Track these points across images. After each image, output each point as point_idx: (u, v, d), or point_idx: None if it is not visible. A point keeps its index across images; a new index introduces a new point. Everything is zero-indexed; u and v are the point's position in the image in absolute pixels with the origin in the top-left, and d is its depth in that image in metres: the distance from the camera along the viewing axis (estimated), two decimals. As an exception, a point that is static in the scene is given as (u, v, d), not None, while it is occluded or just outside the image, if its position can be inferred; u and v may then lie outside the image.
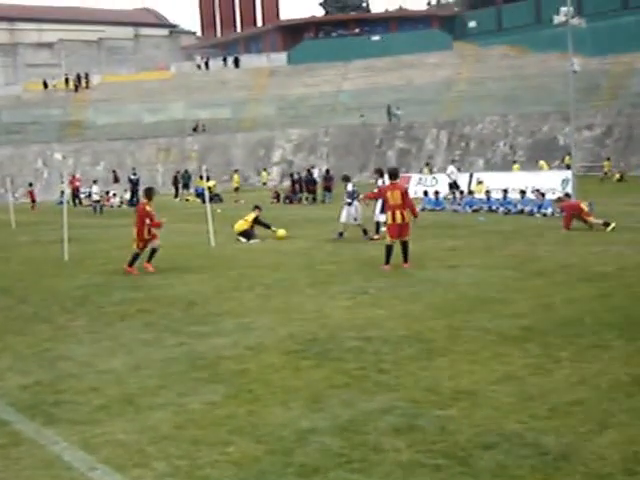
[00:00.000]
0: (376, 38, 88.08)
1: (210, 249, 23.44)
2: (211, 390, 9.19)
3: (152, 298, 15.29)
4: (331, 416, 8.11)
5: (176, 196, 57.60)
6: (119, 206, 52.69)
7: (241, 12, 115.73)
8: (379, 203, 24.94)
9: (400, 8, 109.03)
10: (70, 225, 23.60)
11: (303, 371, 9.78)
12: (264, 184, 63.71)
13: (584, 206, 26.29)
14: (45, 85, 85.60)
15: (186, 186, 58.47)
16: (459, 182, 41.26)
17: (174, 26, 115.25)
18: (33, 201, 53.66)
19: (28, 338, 12.32)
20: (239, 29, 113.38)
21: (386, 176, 22.70)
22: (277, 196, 49.02)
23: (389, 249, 18.25)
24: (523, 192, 34.09)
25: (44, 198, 61.72)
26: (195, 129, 76.58)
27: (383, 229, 24.58)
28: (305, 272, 18.04)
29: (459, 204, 36.53)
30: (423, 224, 23.12)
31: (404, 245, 18.26)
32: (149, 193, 19.73)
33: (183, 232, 28.87)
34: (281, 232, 26.19)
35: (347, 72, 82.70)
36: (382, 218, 24.55)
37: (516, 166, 57.50)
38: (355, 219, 24.97)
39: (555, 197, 32.92)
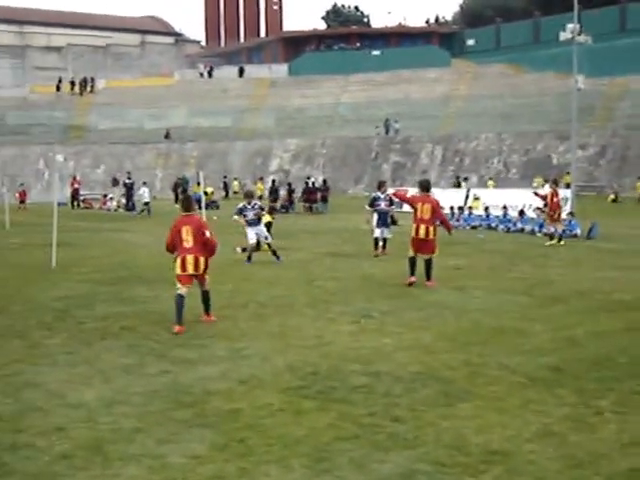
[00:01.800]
0: (376, 52, 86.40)
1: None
2: (196, 437, 7.49)
3: (137, 313, 13.55)
4: (340, 482, 6.43)
5: (176, 202, 55.86)
6: (115, 210, 50.94)
7: (245, 23, 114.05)
8: (375, 217, 23.20)
9: (399, 24, 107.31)
10: (64, 228, 21.97)
11: (304, 415, 8.07)
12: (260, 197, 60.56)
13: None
14: (58, 88, 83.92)
15: (184, 192, 56.86)
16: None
17: (179, 34, 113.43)
18: (22, 202, 51.88)
19: (-4, 358, 10.64)
20: (242, 39, 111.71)
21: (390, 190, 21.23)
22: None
23: (411, 261, 16.65)
24: (522, 212, 32.43)
25: (44, 198, 59.95)
26: (166, 136, 74.86)
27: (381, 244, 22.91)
28: (303, 289, 16.31)
29: (457, 220, 34.85)
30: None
31: (427, 263, 16.60)
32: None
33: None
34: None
35: (346, 85, 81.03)
36: (385, 234, 22.80)
37: (490, 182, 56.41)
38: (266, 237, 21.56)
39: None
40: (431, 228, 16.49)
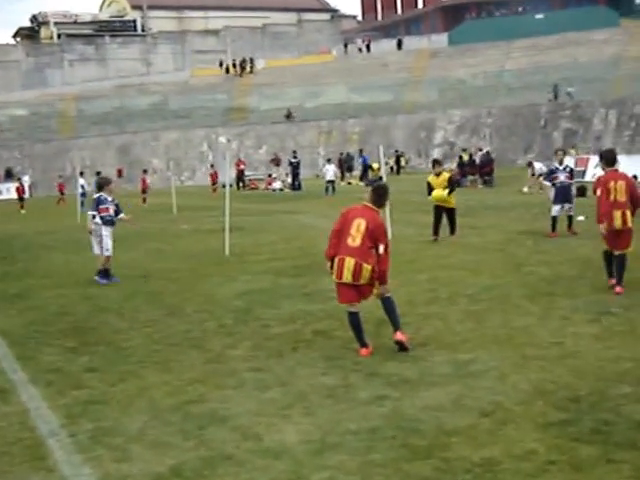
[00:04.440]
0: (540, 16, 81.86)
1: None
2: (448, 509, 5.35)
3: (329, 313, 11.47)
4: None
5: (342, 179, 54.22)
6: (281, 190, 49.53)
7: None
8: (553, 192, 19.82)
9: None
10: (233, 211, 20.22)
11: (588, 472, 5.76)
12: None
13: None
14: (227, 70, 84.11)
15: (350, 169, 55.18)
16: None
17: (335, 10, 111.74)
18: (214, 183, 51.35)
19: (172, 377, 8.74)
20: (400, 11, 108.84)
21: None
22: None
23: (606, 256, 12.52)
24: None
25: (209, 181, 59.64)
26: (288, 116, 73.15)
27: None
28: (513, 276, 13.84)
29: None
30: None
31: (619, 260, 12.19)
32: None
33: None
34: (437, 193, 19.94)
35: (510, 51, 77.05)
36: (568, 210, 19.52)
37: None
38: (107, 249, 15.66)
39: None
40: (628, 213, 12.24)
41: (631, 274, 12.27)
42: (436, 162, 21.36)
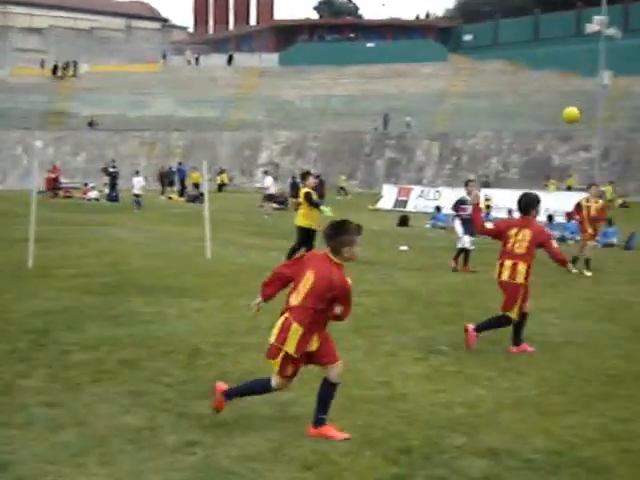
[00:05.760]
0: (371, 45, 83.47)
1: (206, 262, 18.63)
2: None
3: (138, 339, 10.44)
4: None
5: (162, 193, 52.78)
6: (97, 200, 47.42)
7: (235, 10, 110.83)
8: (458, 222, 18.91)
9: (391, 18, 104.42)
10: (43, 220, 18.84)
11: None
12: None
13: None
14: (43, 67, 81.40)
15: (171, 183, 53.78)
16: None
17: (166, 20, 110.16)
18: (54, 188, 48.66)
19: (-51, 409, 7.56)
20: (232, 27, 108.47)
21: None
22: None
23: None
24: (550, 216, 29.60)
25: (22, 186, 56.87)
26: (90, 124, 71.84)
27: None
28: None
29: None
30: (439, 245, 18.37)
31: (496, 322, 10.64)
32: None
33: (172, 237, 24.21)
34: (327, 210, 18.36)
35: (339, 77, 78.09)
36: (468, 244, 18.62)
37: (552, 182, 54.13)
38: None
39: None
40: (520, 267, 10.28)
41: (446, 310, 11.87)
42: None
